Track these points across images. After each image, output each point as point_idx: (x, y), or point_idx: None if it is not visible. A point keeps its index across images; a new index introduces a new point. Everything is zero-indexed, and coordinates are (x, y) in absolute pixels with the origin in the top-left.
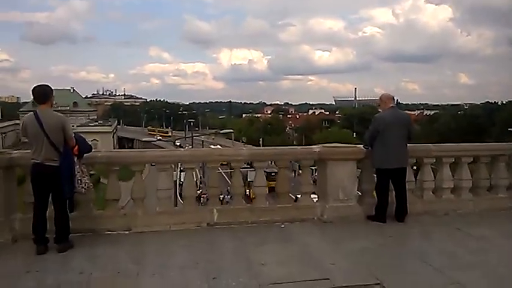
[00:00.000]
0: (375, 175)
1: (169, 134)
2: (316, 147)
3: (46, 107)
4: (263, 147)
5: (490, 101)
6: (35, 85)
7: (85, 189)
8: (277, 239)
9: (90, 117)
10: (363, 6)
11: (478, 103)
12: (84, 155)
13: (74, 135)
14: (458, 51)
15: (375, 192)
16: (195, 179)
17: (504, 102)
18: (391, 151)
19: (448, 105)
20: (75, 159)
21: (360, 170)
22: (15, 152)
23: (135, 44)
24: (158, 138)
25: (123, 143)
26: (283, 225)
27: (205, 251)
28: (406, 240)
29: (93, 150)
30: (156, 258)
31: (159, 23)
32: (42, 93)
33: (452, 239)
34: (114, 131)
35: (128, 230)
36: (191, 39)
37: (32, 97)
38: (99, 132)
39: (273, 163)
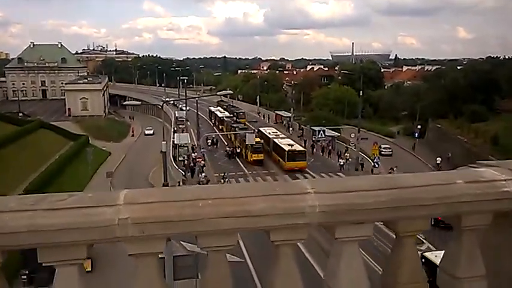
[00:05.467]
0: None
1: None
2: (501, 176)
3: None
4: (355, 180)
5: (492, 56)
6: None
7: None
8: None
9: (80, 74)
10: None
11: (477, 58)
12: None
13: None
14: (457, 3)
15: None
16: (189, 141)
17: (508, 57)
18: None
19: (445, 60)
20: None
21: None
22: None
23: None
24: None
25: (116, 100)
26: None
27: None
28: None
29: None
30: None
31: None
32: None
33: None
34: (105, 88)
35: None
36: None
37: None
38: (89, 90)
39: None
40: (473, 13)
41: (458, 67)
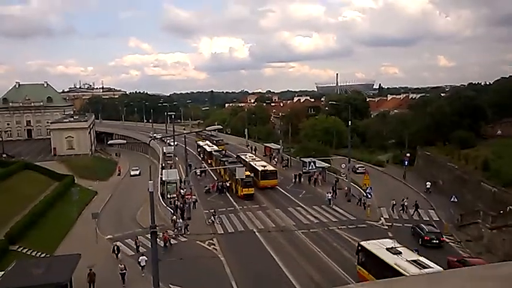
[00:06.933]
0: None
1: None
2: None
3: None
4: None
5: (473, 82)
6: None
7: None
8: None
9: (66, 113)
10: None
11: (458, 85)
12: None
13: None
14: (437, 34)
15: None
16: (177, 177)
17: (488, 83)
18: None
19: (428, 87)
20: None
21: None
22: None
23: (114, 35)
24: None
25: (102, 137)
26: None
27: None
28: None
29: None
30: None
31: (138, 12)
32: None
33: None
34: (91, 126)
35: None
36: (171, 28)
37: None
38: (74, 128)
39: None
40: (453, 42)
41: (442, 94)
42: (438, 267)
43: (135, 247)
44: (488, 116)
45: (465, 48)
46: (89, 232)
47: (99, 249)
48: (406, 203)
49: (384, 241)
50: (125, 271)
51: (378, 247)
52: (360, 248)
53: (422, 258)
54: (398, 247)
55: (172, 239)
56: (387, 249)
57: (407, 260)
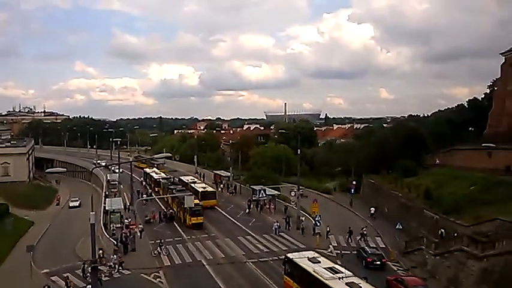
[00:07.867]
0: None
1: None
2: None
3: None
4: None
5: (413, 114)
6: None
7: None
8: None
9: (3, 137)
10: (289, 24)
11: (399, 116)
12: None
13: None
14: (379, 68)
15: None
16: (122, 207)
17: (426, 115)
18: None
19: (371, 118)
20: None
21: None
22: None
23: (58, 59)
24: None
25: (42, 164)
26: None
27: None
28: None
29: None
30: None
31: (85, 36)
32: None
33: None
34: (30, 151)
35: None
36: (119, 53)
37: None
38: (11, 154)
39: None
40: (393, 76)
41: (384, 124)
42: (349, 272)
43: None
44: (428, 146)
45: (404, 82)
46: (23, 266)
47: (33, 285)
48: (365, 232)
49: (307, 253)
50: None
51: (301, 258)
52: (286, 259)
53: (337, 266)
54: (317, 257)
55: (105, 277)
56: (308, 258)
57: (324, 267)
